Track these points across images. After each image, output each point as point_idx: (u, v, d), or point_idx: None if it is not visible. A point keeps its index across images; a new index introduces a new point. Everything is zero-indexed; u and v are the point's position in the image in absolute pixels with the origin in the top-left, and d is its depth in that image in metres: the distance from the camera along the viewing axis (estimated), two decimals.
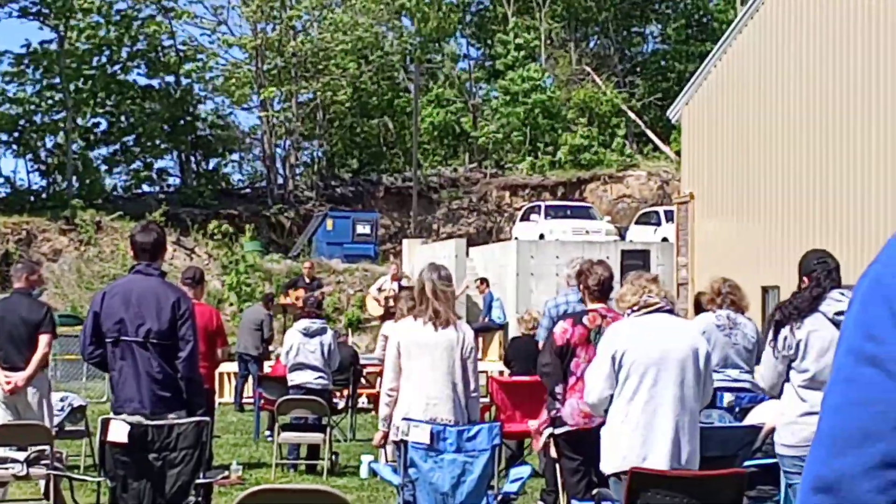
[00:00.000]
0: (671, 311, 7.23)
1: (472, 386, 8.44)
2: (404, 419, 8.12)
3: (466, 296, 29.44)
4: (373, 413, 19.20)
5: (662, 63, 54.49)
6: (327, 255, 37.45)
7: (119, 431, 7.71)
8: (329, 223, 38.81)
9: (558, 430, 9.00)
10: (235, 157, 52.22)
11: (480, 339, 26.99)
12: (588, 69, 52.79)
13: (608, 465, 7.10)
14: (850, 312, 1.78)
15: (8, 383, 10.64)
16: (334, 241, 38.16)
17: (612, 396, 7.08)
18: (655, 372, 6.97)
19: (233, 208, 42.53)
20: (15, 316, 10.76)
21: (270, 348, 22.05)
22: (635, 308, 7.22)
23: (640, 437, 6.94)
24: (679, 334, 7.11)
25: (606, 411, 7.14)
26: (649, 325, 7.10)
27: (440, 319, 8.28)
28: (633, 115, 50.81)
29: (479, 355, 26.18)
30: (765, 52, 27.08)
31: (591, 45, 57.21)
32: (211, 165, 49.45)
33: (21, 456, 10.12)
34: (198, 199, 43.52)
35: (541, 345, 12.22)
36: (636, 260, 21.32)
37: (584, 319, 8.87)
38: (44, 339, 10.78)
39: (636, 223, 37.57)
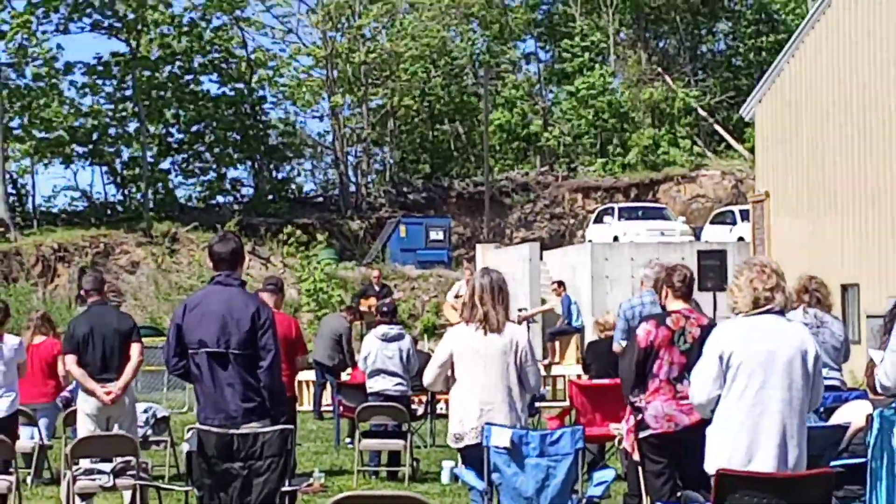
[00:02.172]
0: (781, 313, 7.10)
1: (533, 384, 8.38)
2: (487, 424, 8.11)
3: (542, 299, 29.37)
4: None
5: (733, 61, 54.04)
6: (401, 261, 37.54)
7: (203, 441, 7.77)
8: (402, 230, 38.93)
9: (642, 434, 8.95)
10: (307, 165, 52.56)
11: (557, 343, 26.89)
12: (658, 69, 52.50)
13: (712, 465, 7.01)
14: None
15: (108, 393, 10.78)
16: (408, 247, 38.25)
17: (719, 397, 6.99)
18: (763, 374, 6.87)
19: (306, 217, 42.75)
20: (108, 327, 10.89)
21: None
22: (745, 309, 7.07)
23: (746, 440, 6.86)
24: (788, 336, 6.98)
25: (713, 411, 7.05)
26: (758, 326, 6.98)
27: (490, 324, 8.26)
28: (704, 114, 50.44)
29: (557, 359, 26.19)
30: (838, 46, 26.77)
31: (661, 44, 56.86)
32: (283, 174, 49.78)
33: (107, 467, 10.24)
34: (271, 208, 43.80)
35: (615, 346, 12.18)
36: (713, 260, 21.06)
37: (668, 321, 8.80)
38: (136, 348, 10.94)
39: (711, 223, 37.27)
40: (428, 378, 8.52)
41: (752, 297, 7.00)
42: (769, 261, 7.31)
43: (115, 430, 10.85)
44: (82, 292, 11.57)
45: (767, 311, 7.00)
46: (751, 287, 7.01)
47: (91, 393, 10.88)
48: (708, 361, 7.01)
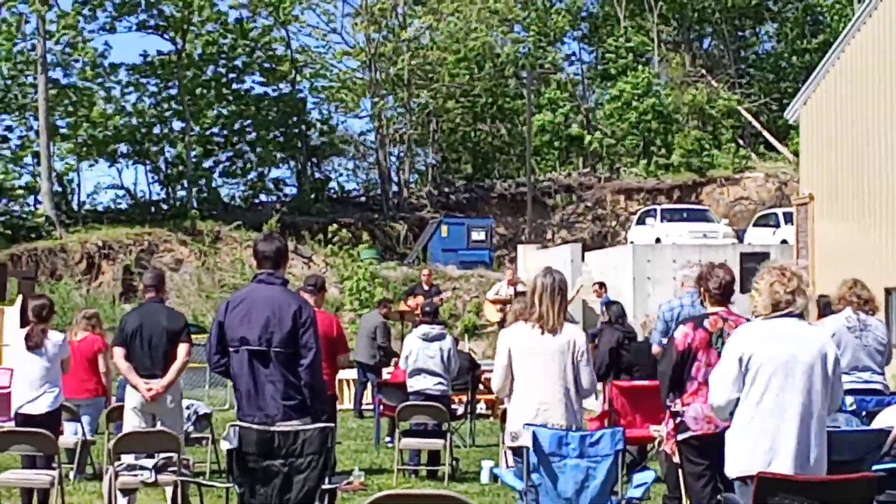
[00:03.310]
0: (801, 316, 7.09)
1: (587, 385, 8.41)
2: (526, 424, 8.12)
3: (583, 300, 29.30)
4: (491, 419, 19.22)
5: (779, 63, 53.73)
6: (442, 261, 37.55)
7: (233, 438, 7.80)
8: (444, 230, 38.96)
9: (681, 436, 8.93)
10: (350, 165, 52.68)
11: None
12: (702, 70, 52.29)
13: (733, 468, 7.02)
14: None
15: (149, 390, 10.86)
16: (449, 247, 38.27)
17: (738, 399, 6.98)
18: (783, 376, 6.86)
19: (348, 216, 42.86)
20: (157, 325, 10.98)
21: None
22: (765, 312, 7.07)
23: (767, 442, 6.84)
24: (808, 340, 6.97)
25: (731, 414, 7.05)
26: (778, 329, 6.97)
27: (547, 324, 8.28)
28: (748, 116, 50.20)
29: None
30: (885, 48, 26.57)
31: (705, 45, 56.66)
32: (325, 174, 49.90)
33: (150, 463, 10.31)
34: (313, 208, 43.92)
35: (654, 348, 12.14)
36: (755, 263, 20.97)
37: (706, 323, 8.77)
38: (183, 348, 11.01)
39: (754, 225, 37.10)
40: (497, 384, 8.55)
41: (773, 300, 6.99)
42: (790, 264, 7.29)
43: (159, 427, 10.92)
44: (141, 287, 11.67)
45: (788, 315, 6.99)
46: (771, 290, 7.00)
47: (134, 387, 10.99)
48: (727, 364, 7.02)
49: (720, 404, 7.07)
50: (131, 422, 11.07)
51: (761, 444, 6.86)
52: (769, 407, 6.87)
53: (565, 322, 8.42)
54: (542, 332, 8.30)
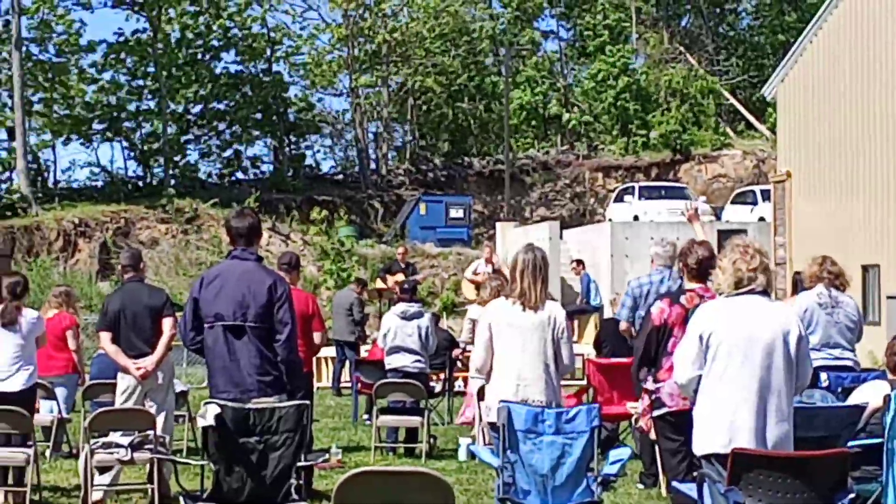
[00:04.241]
0: (764, 293, 7.07)
1: (566, 362, 8.39)
2: (502, 401, 8.10)
3: (561, 278, 29.33)
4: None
5: (756, 39, 53.72)
6: (421, 239, 37.52)
7: (210, 416, 7.75)
8: (422, 207, 38.92)
9: (657, 412, 8.95)
10: (327, 142, 52.49)
11: (576, 322, 26.85)
12: (680, 48, 52.24)
13: (697, 447, 7.03)
14: None
15: (139, 369, 10.83)
16: (428, 225, 38.24)
17: (700, 378, 6.98)
18: (742, 354, 6.84)
19: (326, 194, 42.73)
20: (138, 304, 10.95)
21: (367, 332, 22.06)
22: (728, 290, 7.06)
23: (727, 421, 6.83)
24: (769, 318, 6.94)
25: (695, 392, 7.05)
26: (740, 307, 6.96)
27: (528, 300, 8.26)
28: (726, 94, 50.21)
29: (575, 338, 26.17)
30: (861, 26, 26.60)
31: (683, 23, 56.59)
32: (302, 151, 49.68)
33: (125, 441, 10.28)
34: (290, 186, 43.78)
35: (622, 325, 12.13)
36: None
37: (682, 299, 8.79)
38: (168, 322, 10.97)
39: (732, 203, 37.17)
40: (478, 361, 8.52)
41: (735, 277, 6.99)
42: (752, 241, 7.27)
43: (148, 405, 10.90)
44: (119, 266, 11.65)
45: (750, 292, 6.98)
46: (734, 268, 7.00)
47: (125, 370, 10.96)
48: (689, 342, 7.02)
49: (682, 382, 7.10)
50: (123, 403, 11.02)
51: (721, 422, 6.85)
52: (728, 385, 6.86)
53: (546, 299, 8.41)
54: (524, 309, 8.29)
